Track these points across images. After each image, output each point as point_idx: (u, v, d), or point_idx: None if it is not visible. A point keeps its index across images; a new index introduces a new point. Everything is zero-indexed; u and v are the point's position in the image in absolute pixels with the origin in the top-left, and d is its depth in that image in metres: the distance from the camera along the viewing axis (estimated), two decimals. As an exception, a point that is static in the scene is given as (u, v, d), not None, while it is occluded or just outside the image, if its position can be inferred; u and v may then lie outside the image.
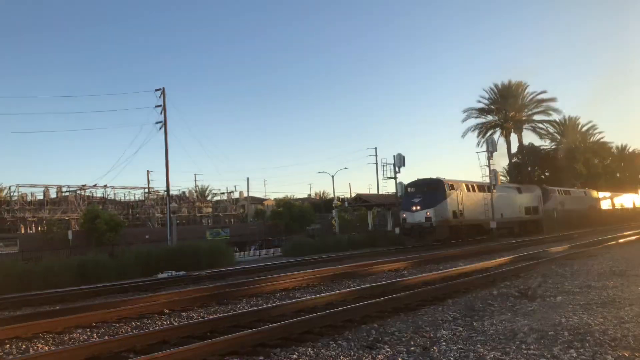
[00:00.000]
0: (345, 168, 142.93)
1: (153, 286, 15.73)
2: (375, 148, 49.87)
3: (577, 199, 46.29)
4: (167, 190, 34.99)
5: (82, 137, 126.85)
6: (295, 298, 11.35)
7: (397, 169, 33.21)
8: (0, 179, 70.14)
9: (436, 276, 13.41)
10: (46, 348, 7.62)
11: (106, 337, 8.15)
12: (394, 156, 33.37)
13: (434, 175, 34.38)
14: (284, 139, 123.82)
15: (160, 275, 18.84)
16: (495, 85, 55.38)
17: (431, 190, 29.61)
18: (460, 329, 7.57)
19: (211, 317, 9.40)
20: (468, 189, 31.85)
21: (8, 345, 7.87)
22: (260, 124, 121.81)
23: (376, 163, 48.00)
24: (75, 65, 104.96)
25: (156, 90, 33.38)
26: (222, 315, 9.46)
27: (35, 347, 7.67)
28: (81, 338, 8.27)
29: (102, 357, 6.69)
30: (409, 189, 31.33)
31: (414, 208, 29.43)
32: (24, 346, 7.76)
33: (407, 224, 29.69)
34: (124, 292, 14.79)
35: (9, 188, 53.59)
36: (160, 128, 33.02)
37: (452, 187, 30.15)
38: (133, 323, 9.38)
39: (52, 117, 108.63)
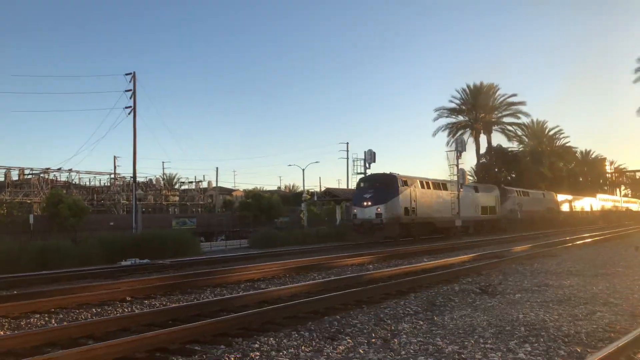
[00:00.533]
0: (317, 162, 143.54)
1: (116, 273, 15.50)
2: (347, 143, 50.19)
3: (536, 201, 46.73)
4: (134, 176, 34.46)
5: (48, 119, 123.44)
6: (260, 289, 11.34)
7: (367, 165, 33.30)
8: (-40, 160, 68.02)
9: (400, 271, 13.58)
10: (1, 333, 7.44)
11: (64, 323, 8.00)
12: (365, 152, 33.50)
13: (397, 171, 34.57)
14: (255, 131, 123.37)
15: (123, 263, 18.54)
16: (468, 86, 56.28)
17: (383, 186, 28.60)
18: (421, 322, 7.70)
19: (173, 305, 9.34)
20: (423, 186, 30.92)
21: (-40, 329, 7.65)
22: (232, 114, 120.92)
23: (347, 158, 48.29)
24: (45, 44, 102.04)
25: (127, 74, 32.82)
26: (184, 304, 9.41)
27: (-10, 332, 7.48)
28: (39, 323, 8.10)
29: (59, 342, 6.57)
30: (361, 184, 30.34)
31: (365, 204, 28.34)
32: (-23, 330, 7.57)
33: (358, 219, 28.56)
34: (85, 279, 14.51)
35: (-31, 169, 51.87)
36: (129, 113, 32.51)
37: (405, 183, 29.21)
38: (94, 310, 9.24)
39: (17, 96, 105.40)
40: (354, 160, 35.18)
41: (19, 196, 46.50)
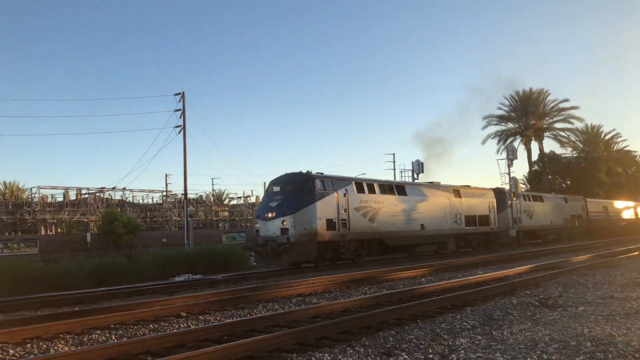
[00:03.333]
0: (363, 174, 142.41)
1: (170, 289, 15.81)
2: (394, 154, 49.65)
3: (555, 207, 39.64)
4: (185, 193, 35.27)
5: (102, 140, 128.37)
6: (311, 304, 11.33)
7: (415, 176, 32.93)
8: (22, 181, 71.73)
9: (454, 284, 13.28)
10: (66, 348, 7.68)
11: (124, 339, 8.20)
12: (412, 162, 33.15)
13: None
14: (300, 144, 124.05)
15: (177, 279, 18.94)
16: (517, 93, 55.13)
17: (294, 191, 21.28)
18: (480, 337, 7.46)
19: (228, 321, 9.41)
20: (361, 190, 23.16)
21: (29, 345, 7.95)
22: (277, 129, 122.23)
23: (394, 169, 47.81)
24: (96, 68, 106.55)
25: (176, 94, 33.85)
26: (238, 319, 9.47)
27: (56, 347, 7.75)
28: (100, 339, 8.33)
29: (119, 358, 6.72)
30: (272, 189, 22.44)
31: (268, 215, 20.97)
32: (44, 346, 7.84)
33: (260, 238, 21.14)
34: (141, 295, 14.88)
35: (30, 189, 54.48)
36: (179, 132, 33.41)
37: (330, 185, 21.69)
38: (150, 325, 9.42)
39: (73, 119, 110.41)
40: (401, 172, 34.88)
41: (77, 215, 48.44)
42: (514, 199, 33.76)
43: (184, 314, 10.52)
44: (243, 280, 17.86)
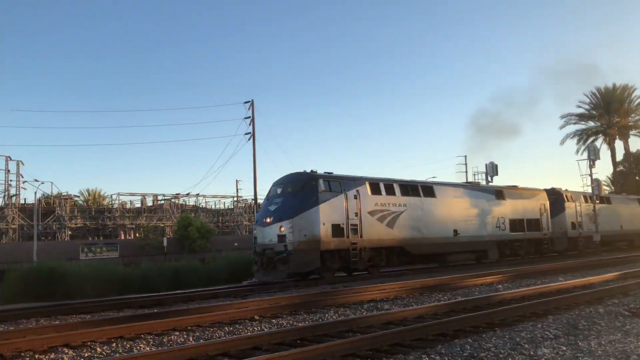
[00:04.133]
0: (434, 177, 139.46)
1: (242, 292, 16.14)
2: (465, 156, 48.36)
3: (627, 210, 35.04)
4: (255, 198, 35.96)
5: (177, 148, 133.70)
6: (383, 310, 11.20)
7: (489, 179, 31.85)
8: (103, 188, 76.13)
9: (533, 291, 12.71)
10: (147, 348, 7.99)
11: (201, 341, 8.42)
12: (486, 165, 32.12)
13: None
14: (372, 147, 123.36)
15: (249, 282, 19.32)
16: (598, 90, 52.28)
17: (294, 193, 18.97)
18: (564, 347, 7.07)
19: (300, 325, 9.46)
20: (377, 191, 20.39)
21: (114, 344, 8.35)
22: (347, 132, 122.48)
23: (466, 172, 46.54)
24: (173, 80, 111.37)
25: (245, 102, 34.70)
26: (311, 323, 9.49)
27: (138, 347, 8.07)
28: (178, 340, 8.59)
29: (198, 359, 6.91)
30: (273, 191, 20.26)
31: (266, 220, 18.78)
32: (128, 345, 8.20)
33: (258, 246, 18.88)
34: (215, 298, 15.28)
35: (111, 196, 57.65)
36: (249, 139, 34.17)
37: (336, 186, 19.19)
38: (226, 328, 9.62)
39: (149, 129, 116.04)
40: (474, 174, 33.88)
41: (154, 220, 50.64)
42: (572, 200, 30.50)
43: (257, 317, 10.68)
44: (314, 285, 17.94)
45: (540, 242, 27.65)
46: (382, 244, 20.16)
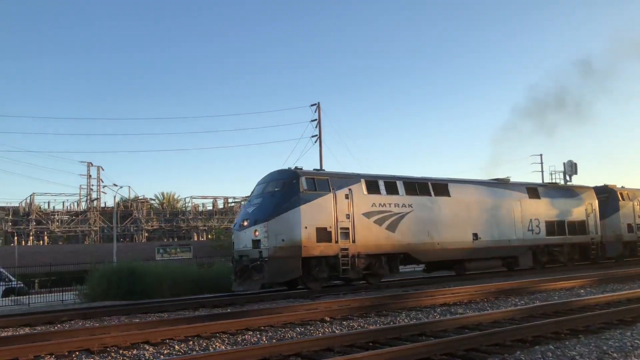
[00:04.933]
0: (508, 177, 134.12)
1: (312, 294, 16.23)
2: (541, 155, 46.33)
3: None
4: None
5: (246, 152, 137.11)
6: (456, 314, 10.92)
7: (568, 178, 30.29)
8: (177, 191, 79.49)
9: (620, 297, 11.94)
10: (223, 347, 8.18)
11: (274, 341, 8.53)
12: (564, 163, 30.61)
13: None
14: (441, 146, 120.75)
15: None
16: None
17: (273, 192, 17.09)
18: (659, 359, 6.56)
19: (372, 327, 9.38)
20: (375, 190, 18.20)
21: (191, 342, 8.62)
22: (413, 135, 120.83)
23: (542, 171, 44.58)
24: (242, 86, 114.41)
25: (312, 105, 35.01)
26: (383, 326, 9.40)
27: (214, 345, 8.28)
28: (252, 340, 8.74)
29: (271, 359, 6.99)
30: (255, 190, 18.37)
31: (244, 224, 16.96)
32: (204, 344, 8.43)
33: (236, 252, 17.22)
34: (286, 299, 15.46)
35: (184, 199, 59.91)
36: (315, 141, 34.44)
37: (323, 185, 17.13)
38: (297, 329, 9.70)
39: (220, 135, 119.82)
40: (551, 174, 32.40)
41: (225, 222, 52.07)
42: (629, 199, 26.77)
43: (328, 319, 10.69)
44: (384, 288, 17.79)
45: (586, 247, 24.49)
46: (380, 250, 17.91)
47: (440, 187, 20.00)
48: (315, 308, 12.11)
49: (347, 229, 17.09)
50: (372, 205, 17.83)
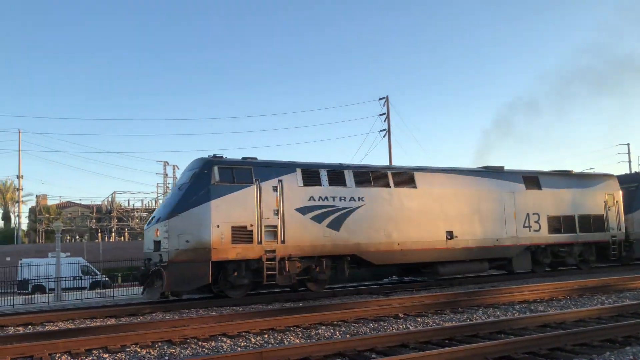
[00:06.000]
0: (591, 169, 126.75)
1: (384, 290, 16.10)
2: (628, 144, 43.50)
3: None
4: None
5: (316, 147, 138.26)
6: (537, 311, 10.46)
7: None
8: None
9: None
10: (297, 341, 8.26)
11: (347, 336, 8.52)
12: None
13: None
14: (510, 142, 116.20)
15: (389, 279, 19.27)
16: None
17: (181, 185, 15.05)
18: None
19: (448, 324, 9.16)
20: (314, 181, 15.63)
21: (266, 335, 8.77)
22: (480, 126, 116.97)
23: (629, 161, 41.88)
24: (305, 82, 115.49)
25: (380, 99, 34.74)
26: (459, 323, 9.15)
27: (288, 339, 8.38)
28: (325, 334, 8.77)
29: (346, 354, 6.97)
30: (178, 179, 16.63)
31: (152, 221, 15.10)
32: (279, 337, 8.55)
33: (144, 254, 15.28)
34: (358, 294, 15.44)
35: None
36: (384, 136, 34.17)
37: (243, 175, 14.78)
38: (370, 324, 9.63)
39: (286, 131, 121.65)
40: None
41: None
42: None
43: (402, 315, 10.55)
44: (457, 284, 17.37)
45: (604, 246, 20.76)
46: (320, 252, 15.28)
47: (403, 177, 17.06)
48: (389, 304, 11.99)
49: (275, 227, 14.69)
50: (310, 199, 15.29)
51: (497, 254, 18.20)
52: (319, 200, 15.39)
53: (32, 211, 52.42)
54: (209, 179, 14.28)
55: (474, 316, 10.25)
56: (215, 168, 14.43)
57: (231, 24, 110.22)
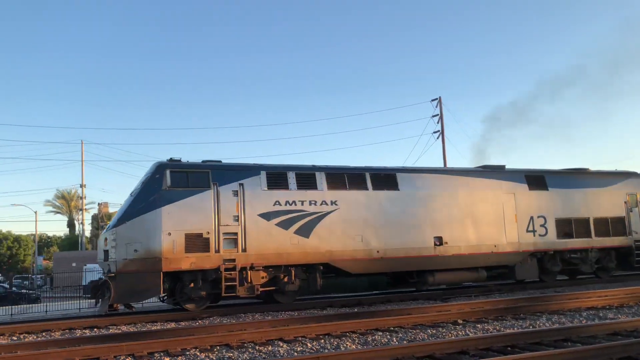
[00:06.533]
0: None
1: (441, 295, 15.76)
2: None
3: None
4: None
5: (368, 151, 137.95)
6: (606, 318, 9.93)
7: None
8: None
9: None
10: (353, 346, 8.18)
11: (405, 342, 8.36)
12: None
13: None
14: (577, 141, 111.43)
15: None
16: None
17: (134, 191, 14.29)
18: None
19: (509, 331, 8.83)
20: (281, 184, 14.73)
21: (322, 340, 8.74)
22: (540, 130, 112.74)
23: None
24: (352, 85, 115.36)
25: (433, 100, 34.22)
26: (521, 330, 8.82)
27: (344, 345, 8.31)
28: (382, 340, 8.64)
29: (403, 360, 6.84)
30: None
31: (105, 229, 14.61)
32: (335, 342, 8.50)
33: (98, 264, 14.56)
34: (414, 300, 15.18)
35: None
36: (437, 137, 33.62)
37: (200, 179, 14.04)
38: (428, 330, 9.42)
39: (342, 135, 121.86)
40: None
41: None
42: None
43: (461, 321, 10.28)
44: (518, 289, 16.77)
45: (627, 252, 18.63)
46: (286, 260, 14.23)
47: (384, 179, 15.81)
48: (448, 310, 11.72)
49: (235, 234, 13.83)
50: (276, 204, 14.37)
51: (495, 261, 16.62)
52: (285, 204, 14.46)
53: (95, 218, 54.62)
54: (160, 184, 13.61)
55: (537, 323, 9.84)
56: (168, 172, 13.76)
57: (278, 31, 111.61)
